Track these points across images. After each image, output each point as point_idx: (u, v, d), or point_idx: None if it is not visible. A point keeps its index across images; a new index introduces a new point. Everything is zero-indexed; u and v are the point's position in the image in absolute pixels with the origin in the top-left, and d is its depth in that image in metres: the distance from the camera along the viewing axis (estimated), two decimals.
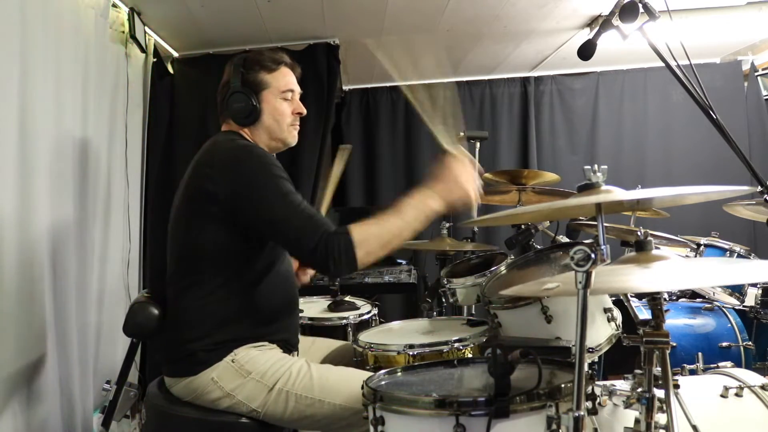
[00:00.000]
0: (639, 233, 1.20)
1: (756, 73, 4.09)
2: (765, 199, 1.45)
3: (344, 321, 2.28)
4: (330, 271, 1.47)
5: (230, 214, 1.52)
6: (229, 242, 1.55)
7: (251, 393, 1.51)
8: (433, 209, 1.51)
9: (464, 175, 1.53)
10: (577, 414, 0.95)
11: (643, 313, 1.90)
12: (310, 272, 2.00)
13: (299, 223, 1.48)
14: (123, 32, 2.81)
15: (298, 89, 1.75)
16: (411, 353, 1.60)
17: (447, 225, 2.56)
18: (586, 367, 0.99)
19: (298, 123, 1.75)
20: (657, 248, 1.17)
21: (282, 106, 1.70)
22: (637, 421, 1.14)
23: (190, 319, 1.58)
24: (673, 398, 1.11)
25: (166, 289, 1.67)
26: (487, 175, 2.74)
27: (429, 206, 1.51)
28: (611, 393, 1.36)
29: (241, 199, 1.51)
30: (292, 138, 1.75)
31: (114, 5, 2.69)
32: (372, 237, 1.47)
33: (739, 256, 2.49)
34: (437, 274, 2.20)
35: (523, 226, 2.20)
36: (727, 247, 2.48)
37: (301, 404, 1.51)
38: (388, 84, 4.40)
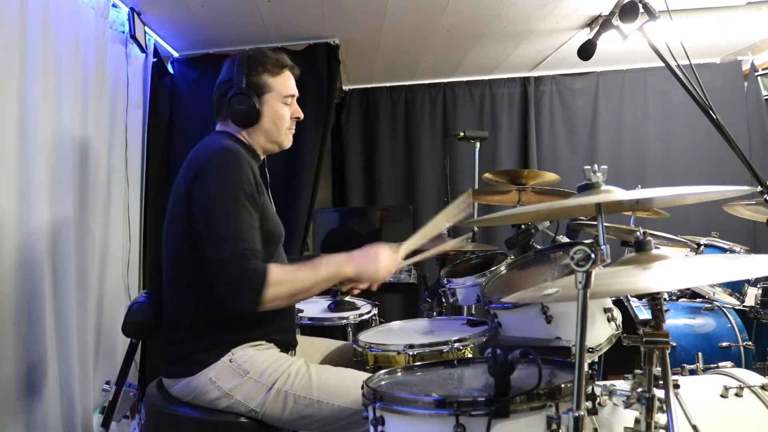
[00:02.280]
0: (638, 233, 1.20)
1: (756, 73, 4.09)
2: (765, 199, 1.46)
3: (344, 321, 2.28)
4: (232, 300, 1.47)
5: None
6: None
7: (249, 393, 1.51)
8: (345, 273, 1.59)
9: (385, 261, 1.61)
10: (577, 414, 0.95)
11: (643, 313, 1.90)
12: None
13: (226, 245, 1.46)
14: (123, 32, 2.81)
15: (297, 93, 1.76)
16: (411, 353, 1.60)
17: (447, 225, 2.56)
18: (586, 367, 0.99)
19: (294, 127, 1.77)
20: (657, 248, 1.17)
21: (282, 110, 1.71)
22: (637, 421, 1.13)
23: (186, 319, 1.58)
24: (673, 398, 1.10)
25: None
26: (487, 175, 2.75)
27: (342, 269, 1.58)
28: (611, 393, 1.36)
29: (196, 203, 1.52)
30: (288, 141, 1.77)
31: (114, 5, 2.69)
32: (285, 284, 1.50)
33: None
34: (437, 274, 2.19)
35: (523, 226, 2.20)
36: (727, 247, 2.47)
37: (299, 404, 1.51)
38: (388, 84, 4.41)
